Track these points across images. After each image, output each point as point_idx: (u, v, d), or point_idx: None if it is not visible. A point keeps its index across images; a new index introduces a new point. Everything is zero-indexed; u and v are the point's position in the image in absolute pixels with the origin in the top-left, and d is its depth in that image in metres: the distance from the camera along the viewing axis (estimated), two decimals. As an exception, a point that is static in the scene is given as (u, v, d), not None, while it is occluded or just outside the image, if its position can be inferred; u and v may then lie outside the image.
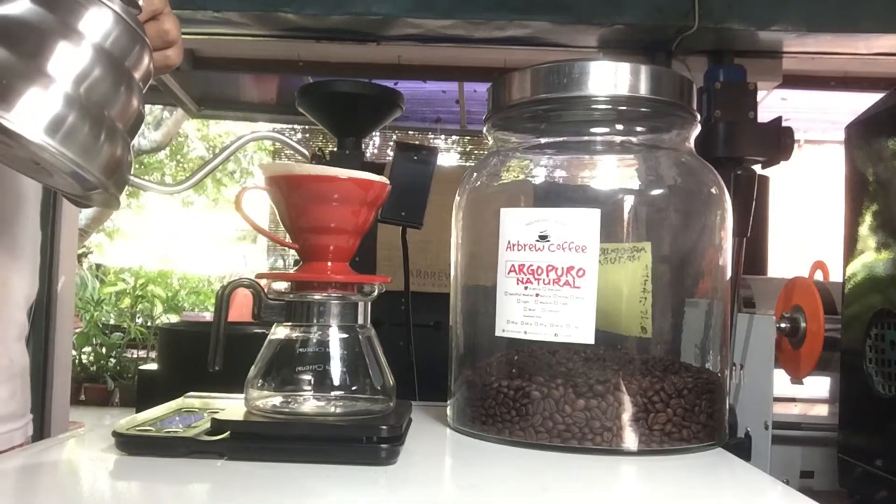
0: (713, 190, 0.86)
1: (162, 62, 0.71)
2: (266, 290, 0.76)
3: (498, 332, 0.81)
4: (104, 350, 6.19)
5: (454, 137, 7.40)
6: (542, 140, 0.90)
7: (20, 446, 0.87)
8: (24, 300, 0.89)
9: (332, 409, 0.73)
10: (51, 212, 2.44)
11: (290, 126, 7.64)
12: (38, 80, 0.54)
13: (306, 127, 7.79)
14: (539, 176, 0.89)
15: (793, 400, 1.47)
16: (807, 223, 5.79)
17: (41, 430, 2.42)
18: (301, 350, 0.75)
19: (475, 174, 0.92)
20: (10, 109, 0.53)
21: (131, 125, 0.61)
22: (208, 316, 6.19)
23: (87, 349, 6.13)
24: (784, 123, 1.68)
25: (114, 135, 0.58)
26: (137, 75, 0.61)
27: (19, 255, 0.87)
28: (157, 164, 9.23)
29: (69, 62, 0.56)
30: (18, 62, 0.54)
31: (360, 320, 0.76)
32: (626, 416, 0.75)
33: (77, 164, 0.55)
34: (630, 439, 0.75)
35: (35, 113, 0.54)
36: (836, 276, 1.19)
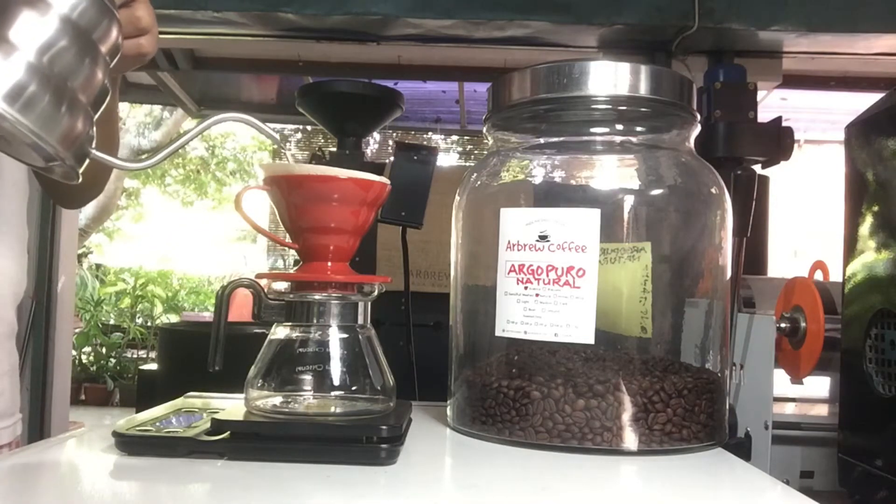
0: (713, 190, 0.86)
1: (134, 50, 0.70)
2: (266, 290, 0.76)
3: (498, 332, 0.81)
4: (104, 350, 6.19)
5: (454, 137, 7.41)
6: (542, 140, 0.90)
7: (8, 446, 0.87)
8: (13, 298, 0.89)
9: (332, 409, 0.73)
10: (51, 212, 2.45)
11: (290, 126, 7.65)
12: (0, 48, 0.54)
13: (306, 127, 7.79)
14: (539, 176, 0.89)
15: (793, 400, 1.47)
16: (807, 223, 5.79)
17: (41, 429, 2.42)
18: (301, 350, 0.75)
19: (475, 174, 0.92)
20: None
21: (94, 98, 0.60)
22: (208, 316, 6.19)
23: (87, 349, 6.14)
24: (784, 123, 1.68)
25: (75, 107, 0.57)
26: (104, 49, 0.60)
27: (4, 253, 0.87)
28: (158, 166, 9.23)
29: (34, 31, 0.55)
30: None
31: (360, 320, 0.76)
32: (626, 416, 0.75)
33: (35, 135, 0.54)
34: (630, 439, 0.75)
35: None
36: (836, 276, 1.19)
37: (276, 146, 8.62)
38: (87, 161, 0.61)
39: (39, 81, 0.55)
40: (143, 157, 0.69)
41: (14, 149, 0.61)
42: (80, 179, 0.61)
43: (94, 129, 0.60)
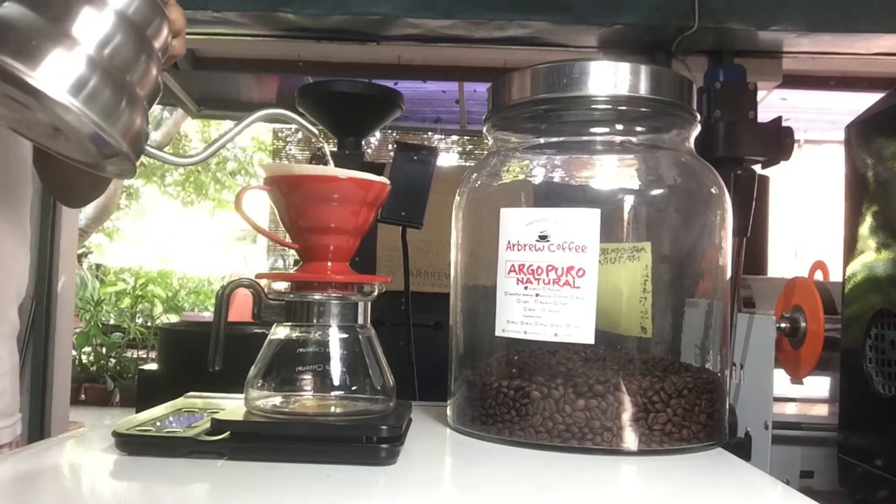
0: (713, 190, 0.86)
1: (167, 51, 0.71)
2: (266, 290, 0.76)
3: (498, 332, 0.81)
4: (104, 350, 6.19)
5: (454, 137, 7.40)
6: (542, 140, 0.90)
7: (9, 445, 0.87)
8: (15, 297, 0.89)
9: (332, 409, 0.73)
10: (51, 212, 2.45)
11: (289, 126, 7.64)
12: (63, 42, 0.55)
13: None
14: (539, 176, 0.89)
15: (793, 400, 1.47)
16: (807, 223, 5.79)
17: (41, 429, 2.42)
18: (301, 350, 0.75)
19: (475, 174, 0.92)
20: (35, 69, 0.54)
21: (150, 94, 0.62)
22: (208, 316, 6.19)
23: (87, 349, 6.13)
24: (784, 123, 1.68)
25: (134, 101, 0.59)
26: (157, 45, 0.62)
27: (8, 253, 0.87)
28: (157, 163, 9.22)
29: (93, 26, 0.56)
30: (44, 24, 0.55)
31: (360, 320, 0.76)
32: (626, 416, 0.75)
33: (99, 126, 0.56)
34: (630, 439, 0.75)
35: (60, 73, 0.54)
36: (836, 276, 1.19)
37: (276, 146, 8.62)
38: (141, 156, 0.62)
39: (101, 75, 0.56)
40: (191, 154, 0.70)
41: (71, 146, 0.62)
42: (136, 174, 0.62)
43: (149, 125, 0.61)
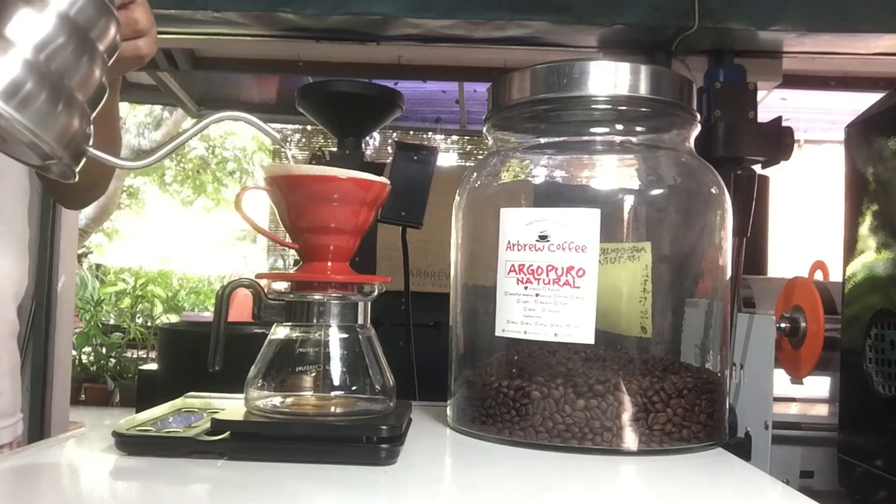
0: (713, 190, 0.86)
1: (132, 52, 0.70)
2: (266, 290, 0.76)
3: (498, 332, 0.81)
4: (104, 350, 6.19)
5: (454, 137, 7.40)
6: (542, 140, 0.90)
7: (9, 445, 0.87)
8: (14, 298, 0.89)
9: (332, 409, 0.73)
10: (51, 212, 2.45)
11: (290, 126, 7.64)
12: None
13: (306, 127, 7.79)
14: (539, 176, 0.89)
15: (793, 400, 1.47)
16: (807, 223, 5.79)
17: (41, 429, 2.42)
18: (301, 350, 0.75)
19: (475, 174, 0.92)
20: None
21: (92, 96, 0.59)
22: (208, 316, 6.18)
23: (87, 349, 6.14)
24: (784, 123, 1.68)
25: (72, 105, 0.57)
26: (102, 47, 0.60)
27: (6, 253, 0.87)
28: (157, 164, 9.22)
29: (31, 28, 0.54)
30: None
31: (360, 320, 0.76)
32: (626, 416, 0.75)
33: (32, 132, 0.54)
34: (630, 439, 0.75)
35: None
36: (836, 276, 1.19)
37: (276, 146, 8.61)
38: (84, 159, 0.60)
39: (36, 79, 0.54)
40: (137, 157, 0.69)
41: (11, 147, 0.61)
42: (77, 178, 0.60)
43: (92, 127, 0.60)
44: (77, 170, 0.60)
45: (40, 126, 0.55)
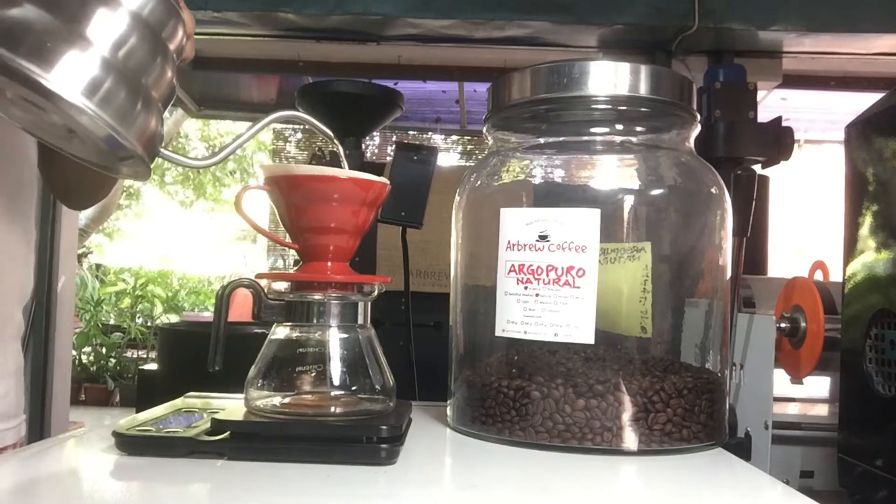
0: (713, 190, 0.86)
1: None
2: (266, 290, 0.76)
3: (498, 332, 0.81)
4: (104, 350, 6.19)
5: (454, 137, 7.40)
6: (542, 140, 0.90)
7: (12, 446, 0.87)
8: (20, 298, 0.89)
9: (332, 410, 0.73)
10: (51, 212, 2.45)
11: (290, 126, 7.64)
12: (77, 44, 0.55)
13: (306, 127, 7.79)
14: (539, 176, 0.89)
15: (793, 400, 1.47)
16: (807, 223, 5.79)
17: (41, 429, 2.42)
18: (301, 350, 0.75)
19: (475, 174, 0.92)
20: (49, 71, 0.53)
21: (165, 96, 0.61)
22: (208, 316, 6.18)
23: (87, 349, 6.13)
24: (784, 123, 1.68)
25: (149, 103, 0.59)
26: (172, 47, 0.61)
27: (13, 253, 0.87)
28: (157, 163, 9.21)
29: (108, 28, 0.56)
30: (59, 26, 0.55)
31: (360, 320, 0.76)
32: (626, 416, 0.75)
33: (113, 129, 0.55)
34: (630, 439, 0.75)
35: (74, 75, 0.54)
36: (836, 276, 1.19)
37: (276, 146, 8.61)
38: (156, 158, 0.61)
39: (115, 77, 0.56)
40: (205, 156, 0.70)
41: (86, 148, 0.61)
42: (150, 176, 0.62)
43: (164, 126, 0.61)
44: (151, 168, 0.61)
45: (121, 123, 0.56)
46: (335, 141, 0.81)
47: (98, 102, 0.54)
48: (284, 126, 7.47)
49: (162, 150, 0.62)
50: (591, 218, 0.78)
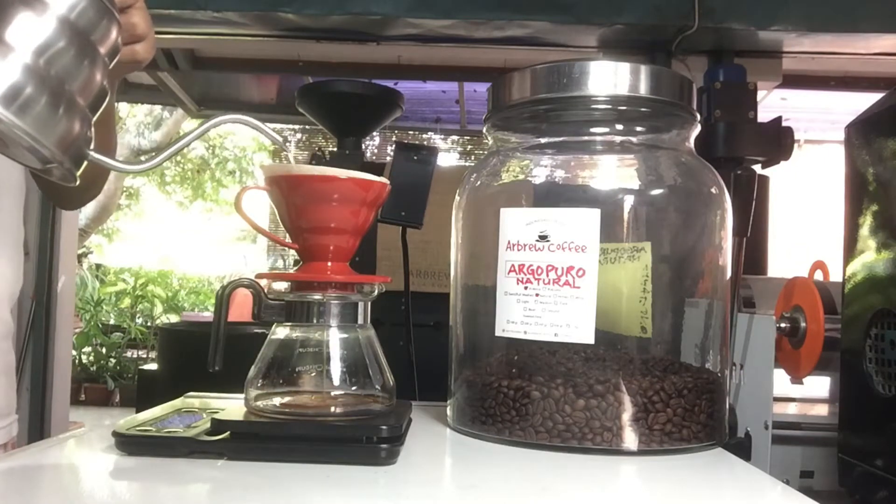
0: (713, 190, 0.86)
1: (129, 57, 0.69)
2: (266, 290, 0.76)
3: (498, 332, 0.81)
4: (104, 350, 6.19)
5: (454, 137, 7.40)
6: (542, 140, 0.90)
7: (3, 447, 0.87)
8: (8, 298, 0.89)
9: (332, 410, 0.73)
10: (51, 212, 2.45)
11: (290, 126, 7.64)
12: None
13: (306, 127, 7.79)
14: (539, 176, 0.89)
15: (793, 400, 1.47)
16: (807, 223, 5.79)
17: (41, 429, 2.42)
18: (301, 350, 0.75)
19: (475, 174, 0.92)
20: None
21: (93, 100, 0.59)
22: (208, 316, 6.18)
23: (87, 349, 6.14)
24: (784, 123, 1.68)
25: (73, 109, 0.57)
26: (103, 50, 0.59)
27: (0, 253, 0.86)
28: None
29: (31, 32, 0.54)
30: None
31: (360, 320, 0.76)
32: (626, 416, 0.75)
33: (32, 137, 0.54)
34: (630, 439, 0.75)
35: None
36: (836, 276, 1.19)
37: (276, 147, 8.61)
38: (85, 163, 0.60)
39: (36, 83, 0.54)
40: (143, 158, 0.69)
41: (11, 150, 0.61)
42: (78, 182, 0.60)
43: (92, 131, 0.60)
44: (78, 174, 0.60)
45: (40, 131, 0.54)
46: (286, 147, 0.81)
47: (15, 111, 0.53)
48: (284, 126, 7.46)
49: (90, 153, 0.61)
50: (591, 218, 0.78)
